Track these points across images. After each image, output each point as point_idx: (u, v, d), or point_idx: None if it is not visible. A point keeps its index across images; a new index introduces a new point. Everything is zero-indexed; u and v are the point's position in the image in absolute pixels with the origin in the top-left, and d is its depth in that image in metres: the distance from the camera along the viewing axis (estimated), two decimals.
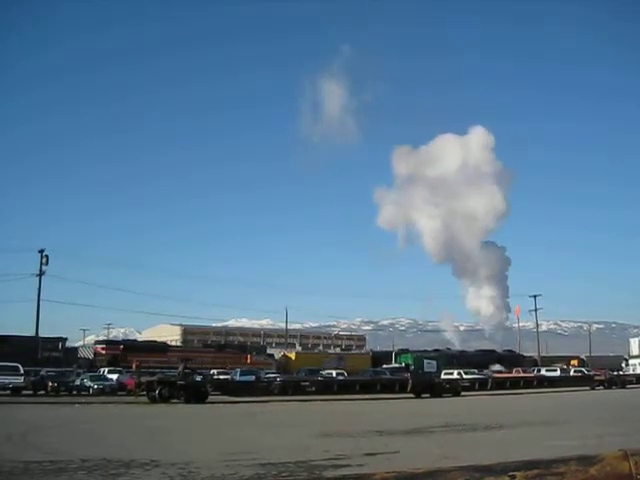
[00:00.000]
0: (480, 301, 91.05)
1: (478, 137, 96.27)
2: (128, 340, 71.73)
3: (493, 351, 79.44)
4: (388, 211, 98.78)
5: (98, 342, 69.19)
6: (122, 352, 58.92)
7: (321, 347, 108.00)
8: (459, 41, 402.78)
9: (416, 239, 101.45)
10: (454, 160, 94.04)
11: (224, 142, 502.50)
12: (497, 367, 67.50)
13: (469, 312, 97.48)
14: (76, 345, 71.63)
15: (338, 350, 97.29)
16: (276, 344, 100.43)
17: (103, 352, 59.46)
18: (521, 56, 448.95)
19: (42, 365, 47.87)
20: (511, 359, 74.47)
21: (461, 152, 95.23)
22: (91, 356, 60.65)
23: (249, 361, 65.65)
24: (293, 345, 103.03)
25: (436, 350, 78.52)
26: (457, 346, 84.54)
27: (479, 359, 71.88)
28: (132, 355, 56.17)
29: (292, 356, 75.23)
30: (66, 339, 64.18)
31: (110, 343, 65.21)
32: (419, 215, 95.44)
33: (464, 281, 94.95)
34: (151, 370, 44.95)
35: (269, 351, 79.87)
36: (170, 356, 59.16)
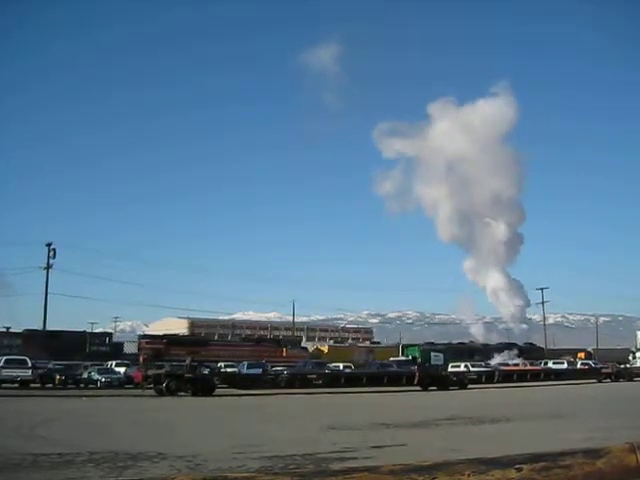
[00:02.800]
0: (498, 294, 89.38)
1: (497, 101, 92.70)
2: (171, 335, 74.58)
3: (514, 344, 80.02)
4: (395, 197, 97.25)
5: (142, 336, 70.77)
6: (165, 346, 60.08)
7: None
8: (464, 40, 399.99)
9: (427, 228, 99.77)
10: (463, 132, 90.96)
11: (227, 136, 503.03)
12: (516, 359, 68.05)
13: (481, 304, 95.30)
14: None
15: (368, 343, 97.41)
16: (283, 337, 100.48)
17: (147, 346, 60.29)
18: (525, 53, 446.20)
19: (90, 359, 48.77)
20: (531, 352, 75.05)
21: (469, 122, 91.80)
22: (135, 350, 61.60)
23: (284, 354, 66.80)
24: (300, 338, 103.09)
25: (461, 343, 78.83)
26: (480, 339, 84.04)
27: (501, 352, 72.49)
28: (175, 349, 58.01)
29: (324, 349, 77.14)
30: (111, 334, 65.77)
31: (154, 337, 66.65)
32: (428, 198, 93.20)
33: (479, 271, 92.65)
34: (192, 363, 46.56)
35: None
36: (210, 350, 61.76)
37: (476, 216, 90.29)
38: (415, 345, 77.82)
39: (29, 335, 56.87)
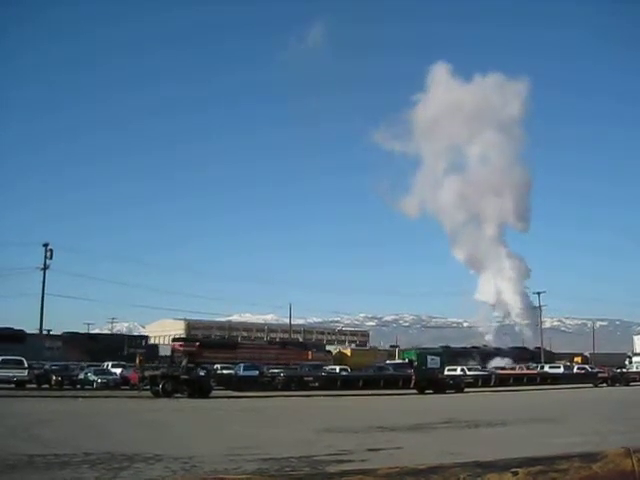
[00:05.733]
0: (502, 297, 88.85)
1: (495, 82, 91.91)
2: (203, 338, 77.20)
3: (525, 348, 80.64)
4: (392, 195, 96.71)
5: (175, 339, 72.92)
6: (198, 349, 61.95)
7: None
8: (462, 39, 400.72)
9: (425, 231, 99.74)
10: (460, 116, 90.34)
11: (225, 138, 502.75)
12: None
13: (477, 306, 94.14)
14: None
15: (387, 346, 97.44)
16: (280, 339, 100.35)
17: (180, 349, 61.67)
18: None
19: (128, 360, 49.17)
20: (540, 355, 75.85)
21: (468, 105, 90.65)
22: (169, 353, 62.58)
23: (310, 357, 68.51)
24: (297, 340, 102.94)
25: (474, 347, 79.13)
26: (492, 343, 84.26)
27: (513, 356, 73.81)
28: (206, 351, 60.94)
29: (348, 352, 78.65)
30: (147, 337, 67.01)
31: (187, 340, 69.18)
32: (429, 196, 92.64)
33: (481, 273, 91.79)
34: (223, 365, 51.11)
35: None
36: (238, 352, 64.38)
37: (477, 198, 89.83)
38: (448, 348, 78.62)
39: (69, 338, 59.44)
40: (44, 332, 59.34)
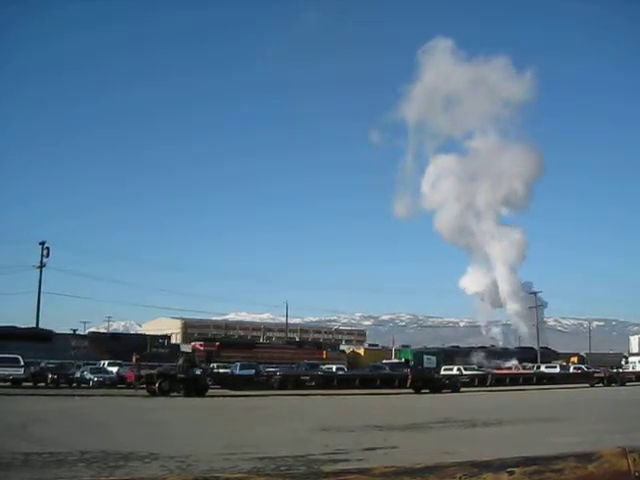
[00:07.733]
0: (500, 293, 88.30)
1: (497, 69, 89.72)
2: (222, 338, 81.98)
3: (531, 348, 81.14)
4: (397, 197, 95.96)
5: (196, 340, 75.00)
6: (217, 349, 64.24)
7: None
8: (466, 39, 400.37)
9: (422, 231, 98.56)
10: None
11: (224, 137, 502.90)
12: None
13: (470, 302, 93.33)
14: None
15: (399, 346, 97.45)
16: (276, 338, 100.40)
17: (201, 348, 63.47)
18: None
19: (150, 360, 49.12)
20: (545, 355, 76.82)
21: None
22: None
23: (325, 356, 69.75)
24: (294, 339, 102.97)
25: (482, 347, 79.38)
26: (500, 343, 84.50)
27: (519, 355, 74.96)
28: (226, 351, 63.20)
29: (361, 352, 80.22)
30: (169, 336, 68.50)
31: (207, 341, 70.90)
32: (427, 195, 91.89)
33: (477, 268, 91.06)
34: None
35: None
36: (256, 352, 66.15)
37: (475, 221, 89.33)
38: (458, 348, 79.11)
39: (94, 337, 61.21)
40: (70, 332, 60.97)
